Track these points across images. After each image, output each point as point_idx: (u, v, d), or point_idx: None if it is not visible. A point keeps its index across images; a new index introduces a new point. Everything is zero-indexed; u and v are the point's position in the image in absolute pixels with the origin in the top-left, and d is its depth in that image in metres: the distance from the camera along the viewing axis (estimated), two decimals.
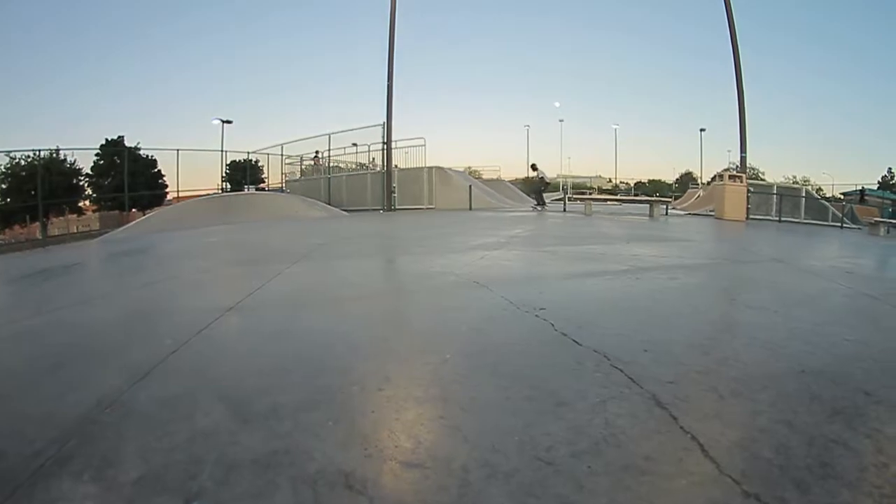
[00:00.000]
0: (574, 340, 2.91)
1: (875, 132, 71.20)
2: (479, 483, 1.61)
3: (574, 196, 17.25)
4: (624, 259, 6.27)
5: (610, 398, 2.21)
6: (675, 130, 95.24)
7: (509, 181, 46.23)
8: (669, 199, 16.10)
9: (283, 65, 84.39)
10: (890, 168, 48.47)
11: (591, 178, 63.58)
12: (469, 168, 58.18)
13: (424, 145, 19.31)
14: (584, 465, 1.70)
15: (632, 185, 64.76)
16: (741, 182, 15.64)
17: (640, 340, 2.98)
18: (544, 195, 17.14)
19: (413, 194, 18.20)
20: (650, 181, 66.19)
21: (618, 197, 17.33)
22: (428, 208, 17.65)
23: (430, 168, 18.90)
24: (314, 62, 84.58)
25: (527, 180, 60.59)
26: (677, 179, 63.17)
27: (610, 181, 65.01)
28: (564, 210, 16.57)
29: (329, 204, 18.28)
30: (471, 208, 16.92)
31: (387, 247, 8.41)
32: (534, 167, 18.07)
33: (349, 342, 3.01)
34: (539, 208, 16.38)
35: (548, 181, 19.34)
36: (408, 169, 19.90)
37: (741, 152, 17.29)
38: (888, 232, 17.45)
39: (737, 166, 18.31)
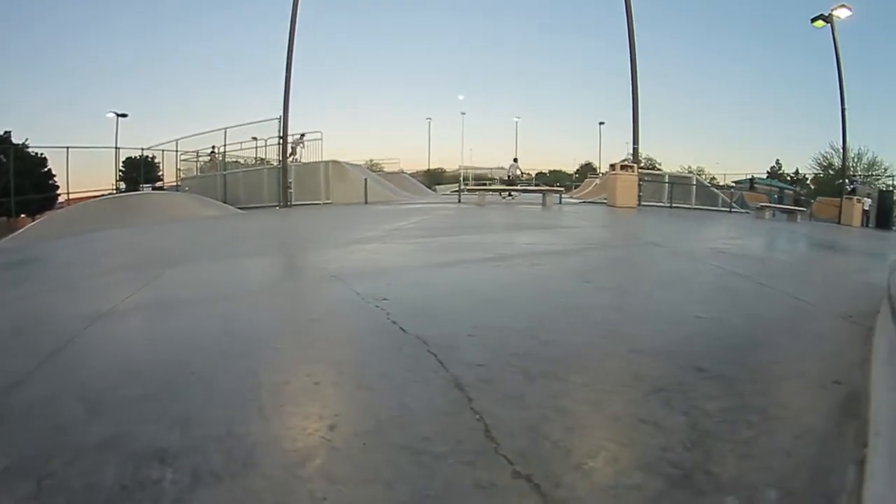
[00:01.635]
0: (402, 328, 3.02)
1: (766, 127, 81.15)
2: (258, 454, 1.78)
3: (475, 188, 17.64)
4: (493, 247, 6.43)
5: (413, 382, 2.31)
6: (578, 123, 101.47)
7: (411, 173, 46.22)
8: (562, 190, 16.76)
9: (180, 56, 79.29)
10: (778, 159, 55.06)
11: (492, 169, 66.27)
12: (370, 161, 58.71)
13: (321, 139, 20.26)
14: (360, 442, 1.82)
15: (533, 175, 68.52)
16: (633, 172, 16.91)
17: (470, 326, 3.07)
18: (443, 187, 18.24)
19: (310, 189, 18.55)
20: (551, 171, 70.03)
21: (512, 187, 17.49)
22: (325, 203, 17.98)
23: (327, 162, 19.40)
24: (212, 53, 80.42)
25: (428, 172, 62.84)
26: (577, 170, 67.75)
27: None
28: (459, 201, 17.10)
29: (226, 201, 18.20)
30: (366, 202, 17.42)
31: (265, 246, 8.21)
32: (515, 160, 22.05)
33: (195, 341, 3.16)
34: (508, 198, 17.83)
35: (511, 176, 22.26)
36: (304, 164, 20.32)
37: (633, 143, 18.79)
38: (773, 216, 19.60)
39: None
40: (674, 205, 19.05)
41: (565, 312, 3.51)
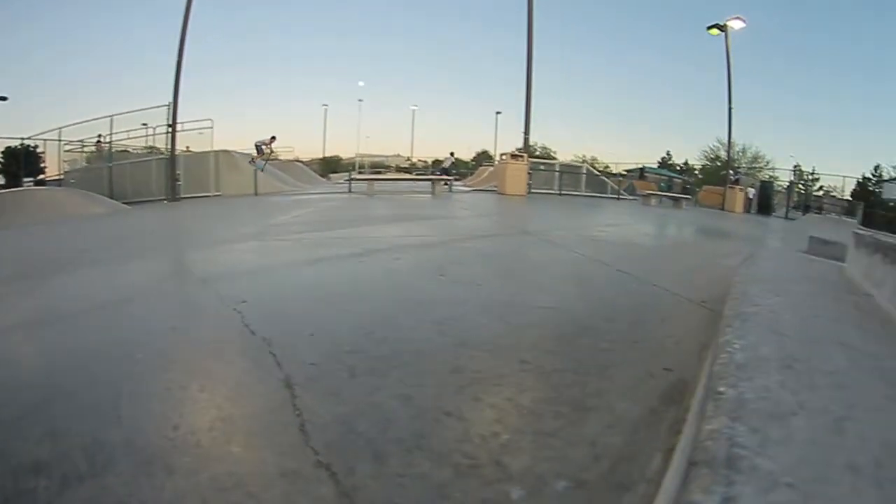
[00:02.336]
0: (252, 331, 3.13)
1: (659, 121, 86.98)
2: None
3: (363, 177, 17.45)
4: (363, 242, 6.50)
5: (248, 382, 2.52)
6: (476, 112, 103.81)
7: (307, 161, 45.53)
8: (451, 178, 16.89)
9: (67, 39, 70.95)
10: (668, 151, 60.01)
11: (389, 157, 66.97)
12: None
13: (212, 128, 19.45)
14: (196, 439, 1.99)
15: (430, 163, 69.94)
16: (523, 161, 17.48)
17: (314, 325, 3.20)
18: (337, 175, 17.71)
19: (199, 181, 17.87)
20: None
21: (402, 176, 17.45)
22: (215, 195, 17.43)
23: (217, 152, 18.81)
24: (102, 38, 72.71)
25: (324, 160, 61.80)
26: (474, 158, 69.10)
27: (408, 160, 69.11)
28: (350, 191, 16.81)
29: (113, 196, 16.77)
30: (256, 193, 16.96)
31: (140, 249, 7.51)
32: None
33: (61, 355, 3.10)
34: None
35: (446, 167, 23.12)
36: (193, 154, 19.51)
37: (525, 133, 19.31)
38: (660, 202, 21.03)
39: (532, 146, 20.54)
40: (564, 192, 19.95)
41: (409, 308, 3.66)
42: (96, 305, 4.18)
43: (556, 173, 21.34)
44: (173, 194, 16.98)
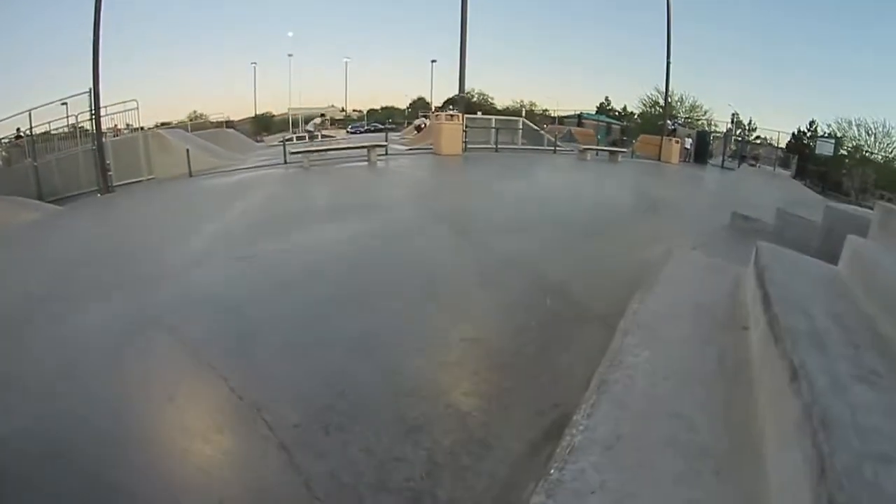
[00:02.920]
0: None
1: (597, 63, 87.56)
2: None
3: (300, 149, 16.41)
4: (323, 259, 5.93)
5: None
6: (411, 60, 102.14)
7: (239, 120, 44.93)
8: (385, 145, 16.46)
9: None
10: (607, 96, 60.56)
11: (323, 108, 66.08)
12: (194, 113, 55.11)
13: (138, 108, 18.42)
14: None
15: (365, 113, 69.68)
16: (457, 120, 17.66)
17: None
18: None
19: (131, 165, 17.02)
20: (383, 108, 71.38)
21: (337, 145, 16.78)
22: (148, 179, 16.68)
23: (146, 134, 18.19)
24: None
25: (255, 118, 59.82)
26: (410, 105, 69.07)
27: (342, 110, 68.40)
28: (286, 161, 15.97)
29: (41, 195, 15.61)
30: (191, 174, 16.09)
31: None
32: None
33: None
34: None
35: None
36: (122, 139, 18.59)
37: (459, 92, 19.36)
38: (597, 154, 21.39)
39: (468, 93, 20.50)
40: (500, 146, 20.02)
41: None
42: None
43: (492, 130, 21.37)
44: (105, 185, 16.00)
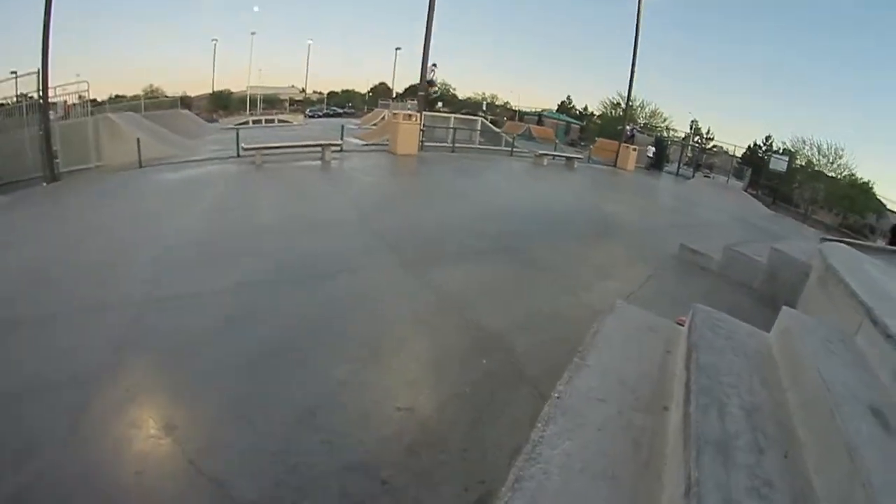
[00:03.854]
0: None
1: (563, 65, 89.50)
2: None
3: (254, 146, 15.26)
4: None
5: None
6: (375, 45, 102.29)
7: (196, 96, 45.37)
8: (340, 144, 16.15)
9: None
10: (569, 95, 63.05)
11: (283, 88, 65.73)
12: (150, 87, 54.72)
13: (88, 90, 18.50)
14: None
15: (325, 95, 69.45)
16: (414, 121, 17.80)
17: None
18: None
19: (79, 151, 16.25)
20: (344, 91, 71.36)
21: (293, 144, 16.08)
22: (97, 167, 15.99)
23: (96, 119, 17.53)
24: None
25: (213, 95, 59.08)
26: (371, 90, 68.97)
27: (302, 91, 67.86)
28: (238, 154, 15.36)
29: None
30: (141, 165, 15.16)
31: None
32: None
33: None
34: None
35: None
36: (70, 123, 17.74)
37: (419, 91, 19.59)
38: (553, 159, 21.69)
39: (431, 81, 20.47)
40: (457, 146, 20.10)
41: None
42: None
43: (450, 129, 21.47)
44: (52, 173, 15.13)
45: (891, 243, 15.41)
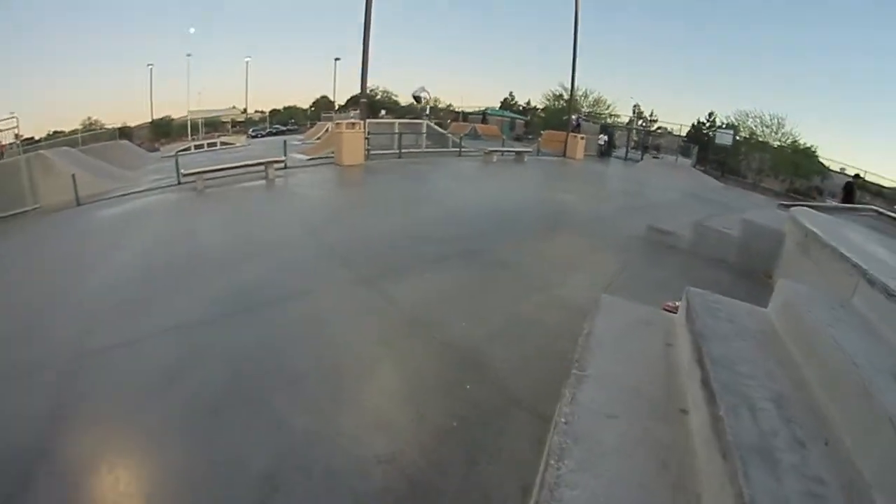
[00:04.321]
0: None
1: (504, 63, 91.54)
2: None
3: (199, 169, 14.22)
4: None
5: None
6: (315, 58, 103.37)
7: (135, 126, 44.78)
8: (283, 160, 15.53)
9: None
10: (511, 92, 63.65)
11: (223, 110, 65.38)
12: (88, 120, 53.88)
13: (17, 126, 18.12)
14: None
15: (267, 113, 69.45)
16: (358, 128, 17.25)
17: None
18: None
19: (14, 195, 15.11)
20: (286, 108, 71.55)
21: (235, 165, 15.27)
22: (34, 209, 14.79)
23: (28, 158, 16.49)
24: None
25: (153, 124, 57.59)
26: (313, 104, 69.05)
27: (244, 111, 67.79)
28: (179, 181, 14.38)
29: None
30: (78, 202, 14.11)
31: None
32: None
33: None
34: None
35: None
36: (1, 164, 17.05)
37: (362, 91, 19.00)
38: (503, 155, 21.62)
39: (372, 90, 20.31)
40: (404, 151, 19.81)
41: None
42: None
43: (395, 135, 21.15)
44: None
45: (844, 201, 15.90)
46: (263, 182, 14.00)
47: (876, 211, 9.28)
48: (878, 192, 29.24)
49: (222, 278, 6.35)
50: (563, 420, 2.10)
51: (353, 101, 55.56)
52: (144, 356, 4.54)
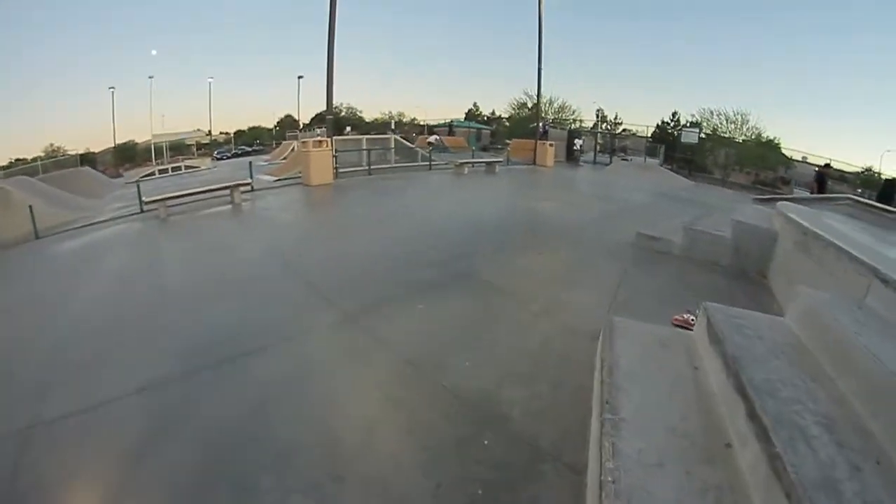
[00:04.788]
0: None
1: (467, 75, 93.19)
2: None
3: (163, 195, 13.53)
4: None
5: None
6: (277, 77, 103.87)
7: (100, 151, 46.04)
8: (249, 183, 15.11)
9: None
10: (475, 102, 65.72)
11: (189, 133, 65.08)
12: (50, 147, 53.63)
13: None
14: None
15: (232, 135, 69.32)
16: (325, 147, 16.96)
17: None
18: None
19: None
20: (250, 129, 71.97)
21: (199, 190, 14.76)
22: None
23: None
24: None
25: (116, 149, 55.75)
26: (278, 123, 69.36)
27: (209, 133, 68.34)
28: (142, 209, 13.68)
29: None
30: (37, 236, 13.31)
31: None
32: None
33: None
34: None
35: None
36: None
37: (328, 114, 18.71)
38: (473, 167, 21.60)
39: (336, 107, 20.00)
40: (373, 168, 19.65)
41: None
42: None
43: (364, 151, 21.00)
44: None
45: (819, 192, 16.22)
46: (230, 207, 13.48)
47: (851, 199, 9.44)
48: (840, 177, 30.06)
49: (188, 326, 5.68)
50: (609, 479, 1.95)
51: (318, 119, 55.38)
52: (102, 428, 3.85)
